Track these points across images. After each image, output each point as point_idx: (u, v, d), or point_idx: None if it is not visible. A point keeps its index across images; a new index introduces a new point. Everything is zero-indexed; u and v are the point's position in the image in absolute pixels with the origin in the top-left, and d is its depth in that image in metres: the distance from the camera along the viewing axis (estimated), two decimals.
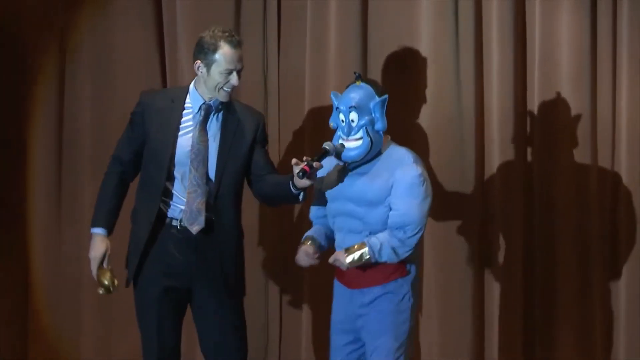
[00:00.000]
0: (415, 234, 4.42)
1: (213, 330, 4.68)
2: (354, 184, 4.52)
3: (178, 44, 5.65)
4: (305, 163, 4.38)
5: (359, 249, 4.43)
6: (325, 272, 5.29)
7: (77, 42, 5.72)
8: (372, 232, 4.49)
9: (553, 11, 5.59)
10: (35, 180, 5.75)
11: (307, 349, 5.66)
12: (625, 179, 5.63)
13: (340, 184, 4.58)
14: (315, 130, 5.60)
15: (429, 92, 5.65)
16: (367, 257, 4.41)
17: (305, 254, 4.59)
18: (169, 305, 4.67)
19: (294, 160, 4.42)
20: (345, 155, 4.47)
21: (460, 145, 5.61)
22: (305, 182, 4.42)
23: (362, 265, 4.46)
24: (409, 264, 4.53)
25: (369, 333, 4.54)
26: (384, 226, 4.48)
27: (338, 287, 4.68)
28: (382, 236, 4.44)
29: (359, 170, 4.51)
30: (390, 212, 4.46)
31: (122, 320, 5.60)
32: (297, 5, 5.68)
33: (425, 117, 5.64)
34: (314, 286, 5.61)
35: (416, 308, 4.62)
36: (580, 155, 5.62)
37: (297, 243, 5.40)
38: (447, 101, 5.65)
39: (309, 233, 4.73)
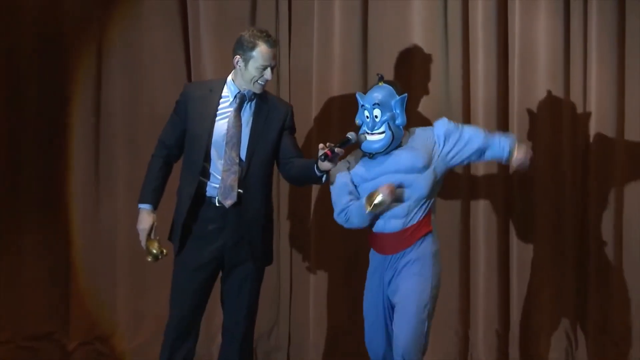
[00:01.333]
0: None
1: (234, 289, 4.88)
2: (389, 159, 4.70)
3: (201, 42, 5.85)
4: (328, 148, 4.56)
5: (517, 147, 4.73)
6: (331, 240, 5.62)
7: (112, 41, 5.95)
8: (418, 198, 4.68)
9: (531, 14, 5.81)
10: (76, 161, 5.95)
11: (315, 309, 5.89)
12: (594, 159, 5.86)
13: (378, 166, 4.71)
14: (322, 119, 5.85)
15: (421, 86, 5.83)
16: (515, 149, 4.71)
17: (390, 190, 4.62)
18: (201, 281, 4.84)
19: (320, 145, 4.59)
20: (370, 147, 4.68)
21: None
22: (327, 165, 4.60)
23: (396, 232, 4.66)
24: (428, 226, 4.73)
25: (398, 295, 4.69)
26: (432, 190, 4.70)
27: (374, 256, 4.85)
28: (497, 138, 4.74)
29: (389, 154, 4.69)
30: (476, 140, 4.73)
31: (153, 285, 5.88)
32: (305, 7, 5.87)
33: (418, 107, 5.80)
34: (321, 252, 5.87)
35: (439, 273, 4.76)
36: (555, 140, 5.84)
37: (305, 219, 5.80)
38: (437, 93, 5.85)
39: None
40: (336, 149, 4.57)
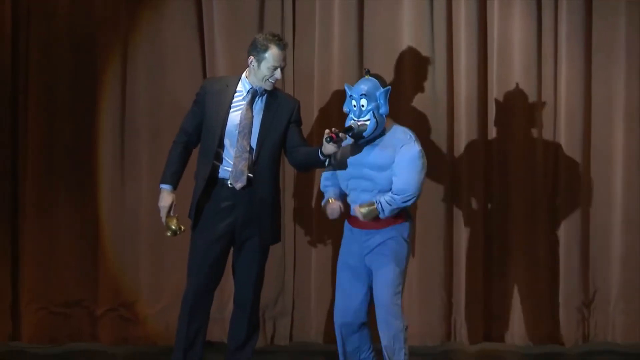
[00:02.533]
0: (410, 199, 4.86)
1: (244, 262, 5.11)
2: (368, 154, 4.88)
3: (215, 42, 6.02)
4: (334, 132, 4.78)
5: (370, 205, 4.84)
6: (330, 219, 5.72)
7: (136, 42, 6.11)
8: (381, 191, 4.87)
9: (507, 16, 6.06)
10: (104, 148, 6.10)
11: (316, 279, 6.13)
12: (563, 146, 6.08)
13: (354, 155, 4.92)
14: (323, 111, 6.07)
15: (410, 81, 6.04)
16: (376, 213, 4.84)
17: (332, 209, 5.02)
18: (216, 254, 5.04)
19: (326, 131, 4.79)
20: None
21: (434, 123, 6.05)
22: (330, 148, 4.80)
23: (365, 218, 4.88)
24: (404, 217, 4.98)
25: (375, 269, 4.94)
26: (389, 186, 4.87)
27: (347, 228, 5.07)
28: (386, 198, 4.84)
29: (369, 144, 4.89)
30: (394, 179, 4.84)
31: (171, 257, 6.05)
32: (307, 9, 6.07)
33: (407, 99, 6.04)
34: (322, 230, 6.08)
35: (409, 253, 5.03)
36: (529, 130, 6.07)
37: (308, 200, 5.98)
38: (424, 87, 6.05)
39: (328, 196, 5.11)
40: (340, 134, 4.78)
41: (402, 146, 4.91)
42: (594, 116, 6.16)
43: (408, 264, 5.07)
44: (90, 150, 6.17)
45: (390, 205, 4.87)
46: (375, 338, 5.10)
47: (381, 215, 4.88)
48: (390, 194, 4.89)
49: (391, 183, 4.91)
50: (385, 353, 4.97)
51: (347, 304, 5.06)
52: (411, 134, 4.99)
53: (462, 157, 6.13)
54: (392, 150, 4.92)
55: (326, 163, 4.97)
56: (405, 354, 4.95)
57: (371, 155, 4.93)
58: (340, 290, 5.09)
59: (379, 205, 4.87)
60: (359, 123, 4.91)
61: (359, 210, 4.88)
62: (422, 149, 4.94)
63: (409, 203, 4.91)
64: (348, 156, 4.99)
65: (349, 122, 4.95)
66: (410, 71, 6.10)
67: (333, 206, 5.04)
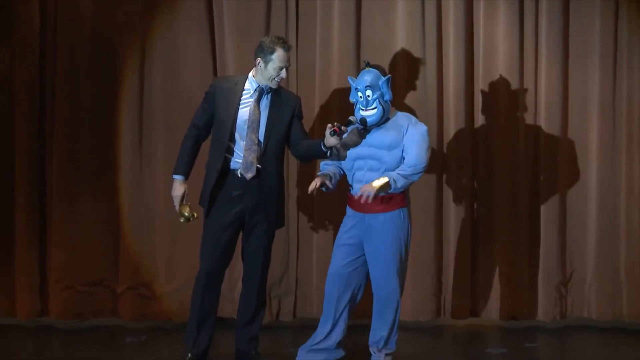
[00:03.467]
0: (420, 172, 5.02)
1: (252, 245, 5.30)
2: (374, 134, 5.07)
3: (224, 42, 6.23)
4: (336, 126, 5.00)
5: (383, 179, 4.94)
6: (331, 205, 6.08)
7: (152, 42, 6.30)
8: (387, 169, 5.03)
9: (492, 20, 6.28)
10: (123, 141, 6.29)
11: (318, 260, 6.31)
12: (543, 138, 6.31)
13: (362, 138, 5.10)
14: (323, 106, 6.26)
15: (403, 77, 6.23)
16: (388, 187, 4.91)
17: (316, 182, 5.10)
18: (226, 238, 5.21)
19: (328, 125, 4.99)
20: (368, 120, 5.08)
21: (425, 118, 6.14)
22: (333, 141, 5.00)
23: (374, 196, 4.97)
24: (406, 202, 5.14)
25: (373, 251, 5.10)
26: (397, 164, 5.04)
27: (350, 212, 5.21)
28: (397, 171, 4.99)
29: (375, 128, 5.08)
30: (406, 155, 5.01)
31: (186, 241, 6.21)
32: (309, 10, 6.25)
33: (400, 96, 6.18)
34: (322, 216, 6.28)
35: (410, 237, 5.18)
36: (512, 124, 6.32)
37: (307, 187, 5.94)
38: (416, 84, 6.25)
39: (328, 171, 5.21)
40: (342, 127, 4.98)
41: (409, 126, 5.12)
42: (571, 111, 6.38)
43: (409, 250, 5.20)
44: (112, 142, 6.34)
45: (402, 177, 5.00)
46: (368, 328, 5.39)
47: (392, 187, 4.97)
48: (401, 166, 5.05)
49: (398, 162, 5.08)
50: (376, 344, 5.31)
51: (340, 278, 5.26)
52: (413, 116, 5.23)
53: (450, 149, 6.33)
54: (397, 132, 5.11)
55: (328, 154, 5.16)
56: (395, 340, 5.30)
57: (377, 135, 5.10)
58: (333, 265, 5.28)
59: (392, 179, 4.99)
60: (357, 117, 5.12)
61: (371, 186, 4.94)
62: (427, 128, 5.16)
63: (418, 175, 5.06)
64: (356, 138, 5.15)
65: (357, 112, 5.13)
66: (403, 70, 6.26)
67: (319, 181, 5.10)
